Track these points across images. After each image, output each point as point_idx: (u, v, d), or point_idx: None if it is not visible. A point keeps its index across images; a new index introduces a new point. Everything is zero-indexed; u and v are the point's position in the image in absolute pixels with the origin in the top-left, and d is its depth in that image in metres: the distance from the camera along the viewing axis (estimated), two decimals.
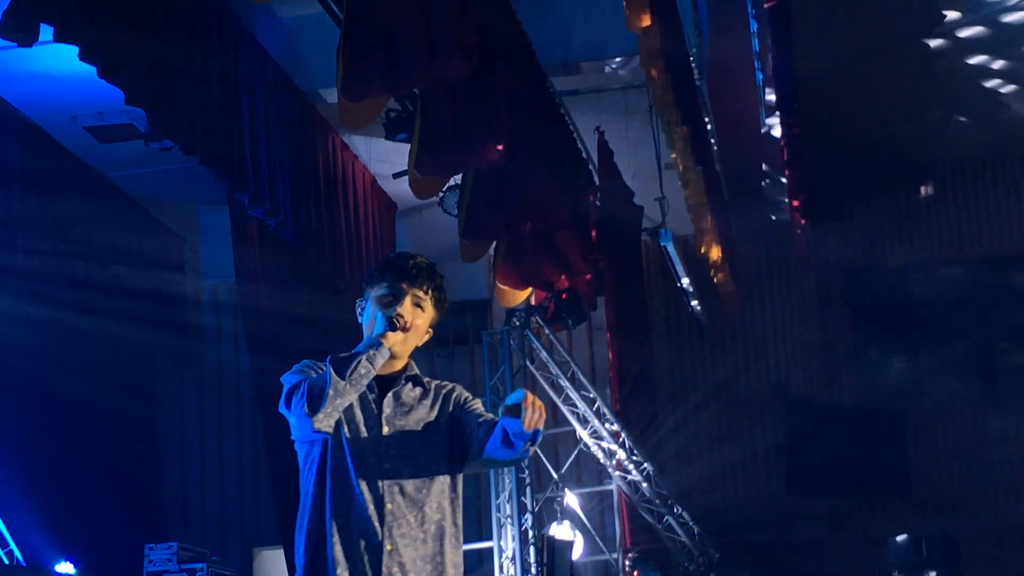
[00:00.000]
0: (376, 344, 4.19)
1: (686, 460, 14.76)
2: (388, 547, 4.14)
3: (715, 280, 13.59)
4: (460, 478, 4.36)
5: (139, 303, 11.85)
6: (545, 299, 12.41)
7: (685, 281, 13.53)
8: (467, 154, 9.44)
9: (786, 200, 13.51)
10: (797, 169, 12.23)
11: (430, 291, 4.33)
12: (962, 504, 14.27)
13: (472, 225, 10.47)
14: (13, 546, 10.87)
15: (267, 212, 9.61)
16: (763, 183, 14.45)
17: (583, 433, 12.54)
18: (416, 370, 4.42)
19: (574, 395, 12.37)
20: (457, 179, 11.14)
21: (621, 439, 12.50)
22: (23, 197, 10.06)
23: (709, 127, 12.44)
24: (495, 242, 11.38)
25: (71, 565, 10.98)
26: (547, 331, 12.38)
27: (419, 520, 4.21)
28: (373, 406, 4.27)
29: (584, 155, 12.64)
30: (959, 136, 14.41)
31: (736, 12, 10.77)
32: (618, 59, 11.54)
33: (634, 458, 12.59)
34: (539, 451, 13.51)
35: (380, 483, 4.18)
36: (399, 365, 4.36)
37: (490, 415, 4.29)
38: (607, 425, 12.44)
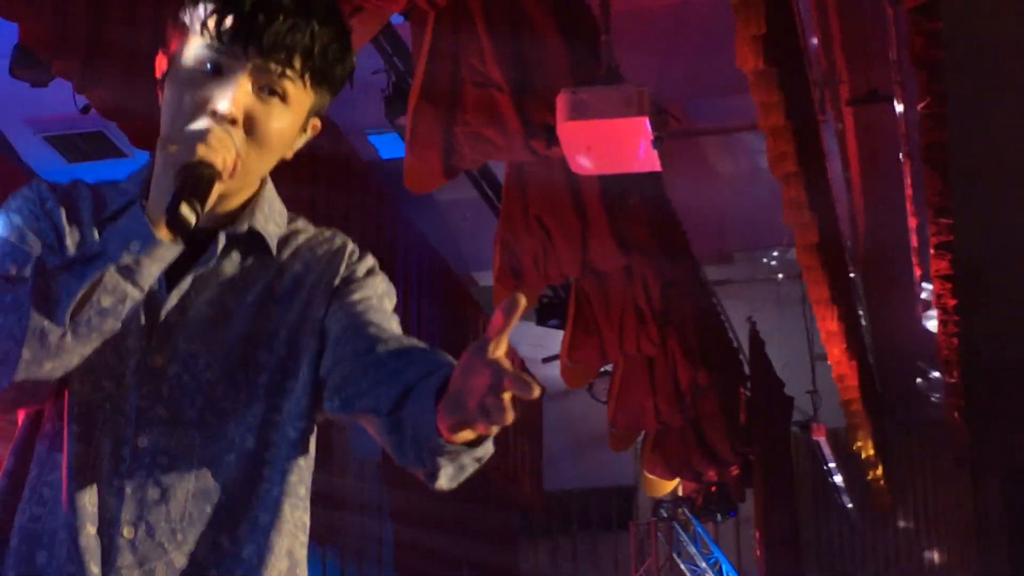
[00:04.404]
0: (142, 240, 1.82)
1: None
2: None
3: (868, 477, 13.28)
4: (311, 449, 1.98)
5: None
6: (694, 491, 12.23)
7: (837, 476, 13.24)
8: (619, 343, 9.40)
9: (943, 397, 13.18)
10: (955, 370, 11.91)
11: (304, 58, 1.91)
12: None
13: (622, 414, 10.40)
14: None
15: None
16: (918, 380, 14.15)
17: None
18: (267, 208, 2.02)
19: None
20: (607, 366, 11.10)
21: None
22: None
23: (863, 322, 12.26)
24: (643, 431, 11.27)
25: None
26: (695, 523, 12.17)
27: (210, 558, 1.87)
28: (141, 316, 1.90)
29: (735, 344, 12.52)
30: None
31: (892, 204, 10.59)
32: (774, 251, 11.50)
33: None
34: None
35: (124, 486, 1.86)
36: (234, 202, 1.98)
37: (405, 339, 1.92)
38: None
